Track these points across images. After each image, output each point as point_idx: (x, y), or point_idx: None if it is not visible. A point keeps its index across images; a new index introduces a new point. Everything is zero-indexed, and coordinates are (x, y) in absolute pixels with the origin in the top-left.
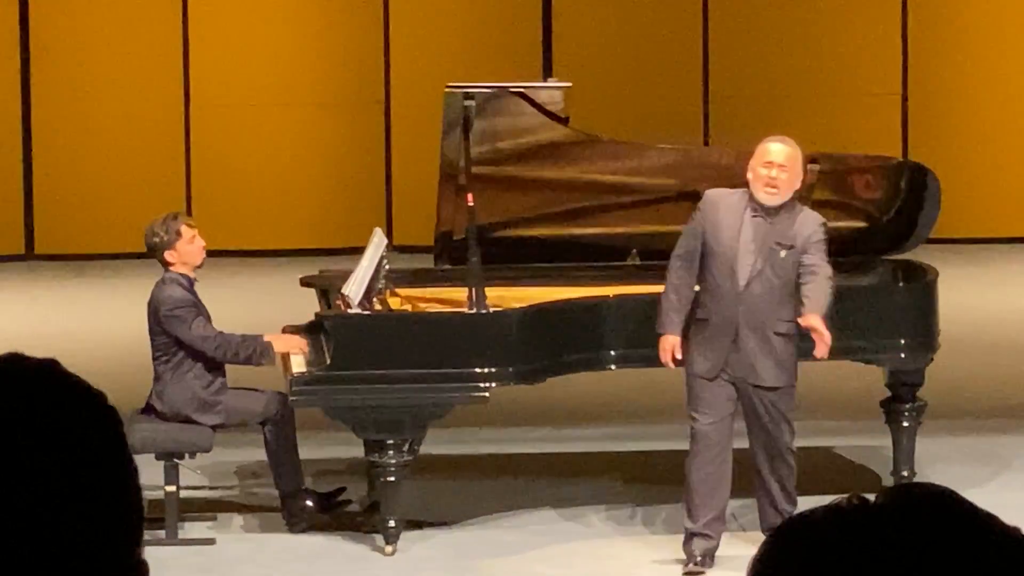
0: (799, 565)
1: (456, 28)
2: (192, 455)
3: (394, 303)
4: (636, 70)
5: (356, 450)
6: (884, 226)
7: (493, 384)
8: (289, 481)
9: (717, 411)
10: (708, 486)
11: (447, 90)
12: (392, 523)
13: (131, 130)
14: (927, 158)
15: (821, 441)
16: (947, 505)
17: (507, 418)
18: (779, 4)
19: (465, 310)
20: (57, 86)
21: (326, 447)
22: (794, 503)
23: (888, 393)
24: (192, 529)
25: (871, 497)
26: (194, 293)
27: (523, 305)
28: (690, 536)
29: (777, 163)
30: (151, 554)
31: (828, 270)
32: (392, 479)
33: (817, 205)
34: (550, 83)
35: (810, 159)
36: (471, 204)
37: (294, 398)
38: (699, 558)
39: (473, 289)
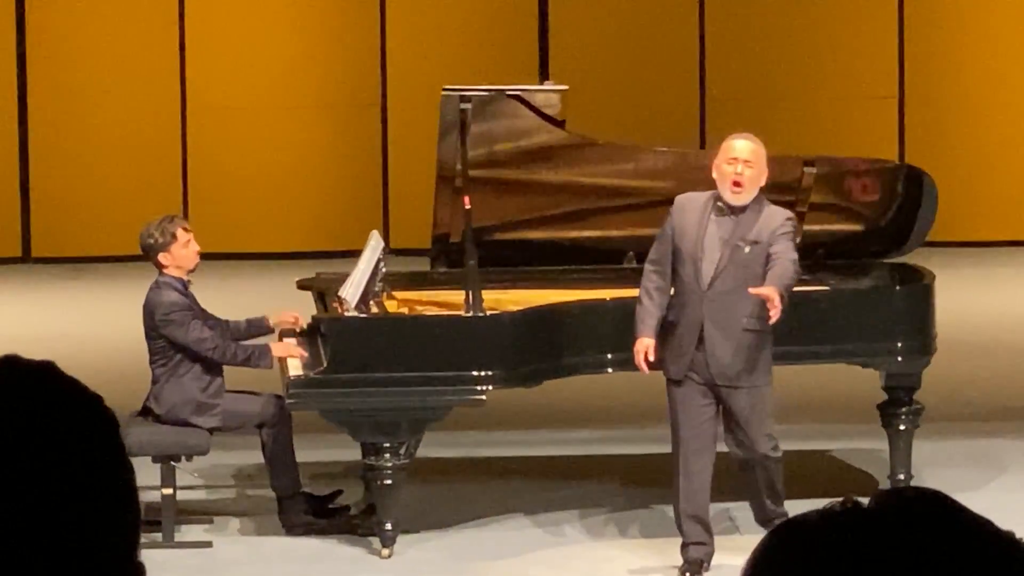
0: (792, 569)
1: (453, 31)
2: (189, 458)
3: (391, 306)
4: (632, 73)
5: (353, 453)
6: (881, 229)
7: (490, 387)
8: (286, 484)
9: (693, 415)
10: (692, 491)
11: (444, 93)
12: (389, 526)
13: (128, 133)
14: (924, 161)
15: (818, 444)
16: (939, 508)
17: (503, 421)
18: (776, 7)
19: (462, 313)
20: (54, 89)
21: (323, 450)
22: (781, 503)
23: (885, 396)
24: (189, 532)
25: (864, 500)
26: (189, 296)
27: (520, 308)
28: (686, 542)
29: (742, 159)
30: (148, 556)
31: (793, 255)
32: (389, 482)
33: (814, 208)
34: (547, 86)
35: (806, 162)
36: (468, 207)
37: (291, 401)
38: (696, 562)
39: (470, 292)
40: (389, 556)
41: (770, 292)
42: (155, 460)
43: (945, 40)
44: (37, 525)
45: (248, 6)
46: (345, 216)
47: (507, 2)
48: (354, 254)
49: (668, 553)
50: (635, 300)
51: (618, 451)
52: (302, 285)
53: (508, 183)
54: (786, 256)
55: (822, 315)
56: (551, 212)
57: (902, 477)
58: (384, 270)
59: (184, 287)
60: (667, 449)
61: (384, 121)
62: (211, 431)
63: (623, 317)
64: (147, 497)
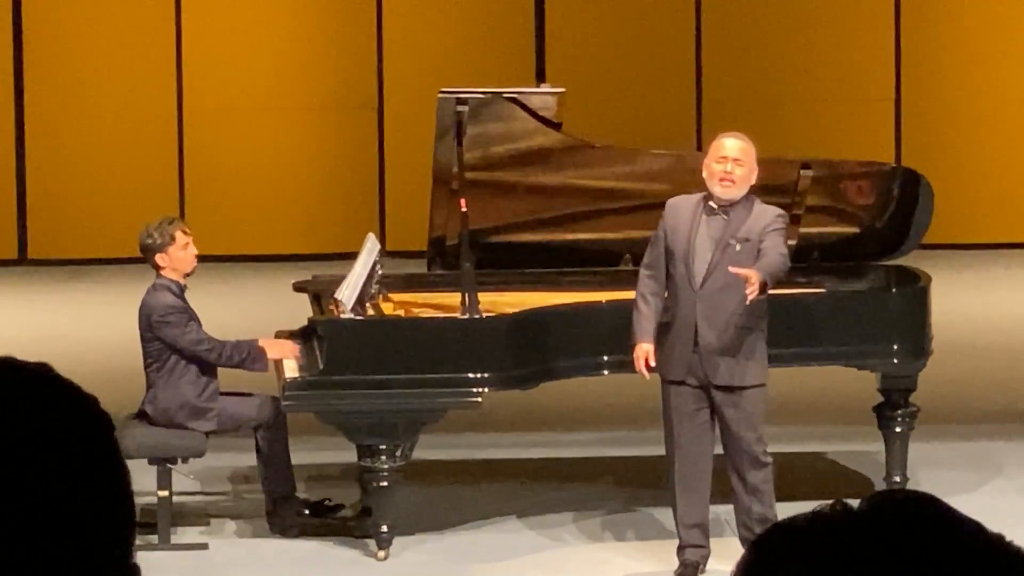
0: (781, 572)
1: (449, 33)
2: (185, 460)
3: (387, 308)
4: (629, 75)
5: (349, 455)
6: (877, 232)
7: (486, 389)
8: (281, 486)
9: (689, 418)
10: (688, 495)
11: (440, 95)
12: (385, 528)
13: (124, 135)
14: (920, 163)
15: (814, 446)
16: (930, 511)
17: (499, 423)
18: (772, 9)
19: (458, 315)
20: (50, 91)
21: (319, 452)
22: (771, 507)
23: (881, 398)
24: (185, 534)
25: (854, 503)
26: (185, 299)
27: (516, 310)
28: (683, 545)
29: (731, 157)
30: (144, 559)
31: (783, 250)
32: (385, 484)
33: (810, 211)
34: (543, 89)
35: (803, 165)
36: (464, 209)
37: (287, 403)
38: (692, 565)
39: (466, 294)
40: (385, 558)
41: (749, 272)
42: (151, 462)
43: (941, 43)
44: (32, 527)
45: (245, 8)
46: (341, 218)
47: (504, 5)
48: (350, 256)
49: (664, 556)
50: (631, 302)
51: (614, 453)
52: (298, 287)
53: (504, 185)
54: (776, 250)
55: (818, 317)
56: (548, 214)
57: (898, 479)
58: (380, 272)
59: (180, 290)
60: (664, 451)
61: (380, 123)
62: (207, 434)
63: (619, 319)
64: (143, 499)
